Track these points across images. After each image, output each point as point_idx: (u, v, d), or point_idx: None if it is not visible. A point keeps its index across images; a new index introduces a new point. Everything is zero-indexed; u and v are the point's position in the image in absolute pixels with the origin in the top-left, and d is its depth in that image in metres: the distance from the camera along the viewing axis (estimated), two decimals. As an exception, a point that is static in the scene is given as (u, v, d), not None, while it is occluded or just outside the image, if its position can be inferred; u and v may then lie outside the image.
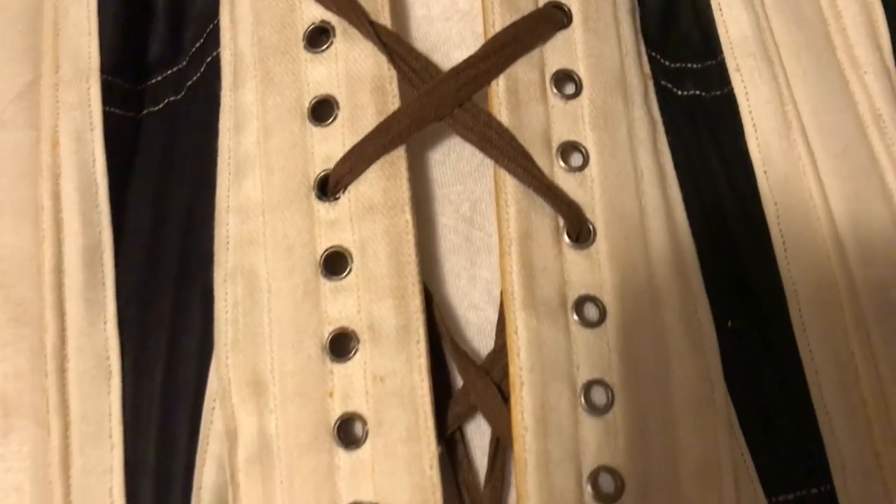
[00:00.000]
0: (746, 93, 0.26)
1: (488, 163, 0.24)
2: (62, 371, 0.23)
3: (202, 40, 0.27)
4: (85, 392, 0.23)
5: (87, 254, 0.23)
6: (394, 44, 0.24)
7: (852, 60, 0.26)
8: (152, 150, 0.26)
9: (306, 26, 0.24)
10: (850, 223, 0.24)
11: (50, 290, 0.23)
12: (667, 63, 0.27)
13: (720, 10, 0.27)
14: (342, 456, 0.22)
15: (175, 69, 0.27)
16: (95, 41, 0.25)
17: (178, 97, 0.26)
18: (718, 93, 0.26)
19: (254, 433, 0.22)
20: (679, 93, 0.27)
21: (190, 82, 0.26)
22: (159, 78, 0.27)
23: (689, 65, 0.27)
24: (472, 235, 0.25)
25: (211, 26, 0.27)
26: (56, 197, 0.24)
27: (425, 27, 0.26)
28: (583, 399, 0.22)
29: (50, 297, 0.23)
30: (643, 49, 0.26)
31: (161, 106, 0.26)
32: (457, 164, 0.25)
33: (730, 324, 0.24)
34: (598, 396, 0.22)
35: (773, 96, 0.25)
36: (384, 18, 0.24)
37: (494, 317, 0.24)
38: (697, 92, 0.27)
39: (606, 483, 0.22)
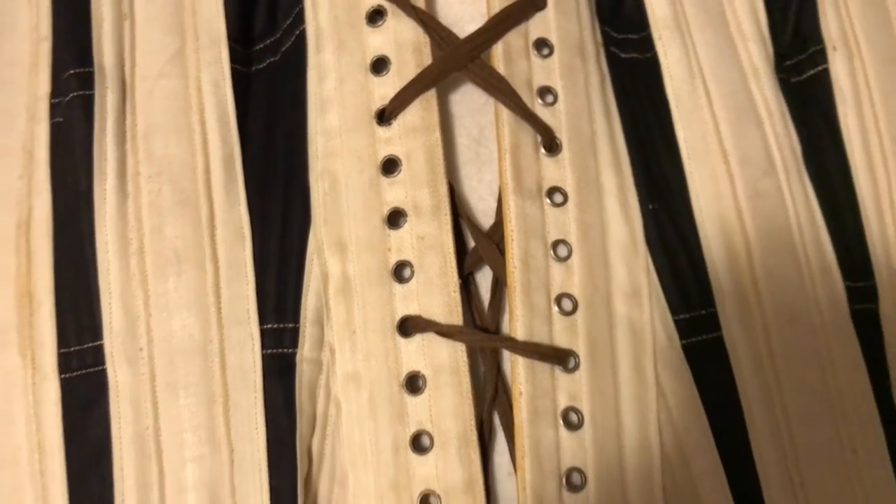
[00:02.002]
0: (665, 54, 0.37)
1: (490, 101, 0.36)
2: (212, 236, 0.34)
3: (291, 19, 0.38)
4: (228, 249, 0.34)
5: (225, 161, 0.35)
6: (427, 20, 0.35)
7: (740, 32, 0.38)
8: (260, 94, 0.37)
9: (367, 9, 0.36)
10: (733, 139, 0.35)
11: (202, 184, 0.35)
12: (615, 35, 0.38)
13: (650, -1, 0.38)
14: (397, 287, 0.33)
15: (272, 39, 0.38)
16: (223, 20, 0.36)
17: (276, 59, 0.37)
18: (648, 55, 0.38)
19: (339, 275, 0.34)
20: (622, 56, 0.38)
21: (284, 48, 0.38)
22: (262, 45, 0.38)
23: (630, 36, 0.38)
24: (479, 151, 0.36)
25: (297, 9, 0.38)
26: (202, 124, 0.35)
27: (447, 9, 0.37)
28: (552, 251, 0.34)
29: (202, 188, 0.34)
30: (597, 25, 0.37)
31: (265, 65, 0.37)
32: (469, 102, 0.36)
33: (650, 206, 0.35)
34: (562, 250, 0.34)
35: (683, 56, 0.37)
36: (420, 3, 0.36)
37: (494, 205, 0.35)
38: (635, 55, 0.38)
39: (566, 304, 0.33)
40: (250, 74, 0.37)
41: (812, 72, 0.39)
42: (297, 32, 0.37)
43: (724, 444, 0.33)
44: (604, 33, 0.38)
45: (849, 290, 0.35)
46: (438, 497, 0.31)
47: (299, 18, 0.38)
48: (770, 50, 0.38)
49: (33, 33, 0.38)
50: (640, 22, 0.38)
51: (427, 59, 0.35)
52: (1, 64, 0.38)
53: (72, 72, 0.35)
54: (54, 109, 0.36)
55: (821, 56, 0.39)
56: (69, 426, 0.33)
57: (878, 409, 0.34)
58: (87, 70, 0.35)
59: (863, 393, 0.34)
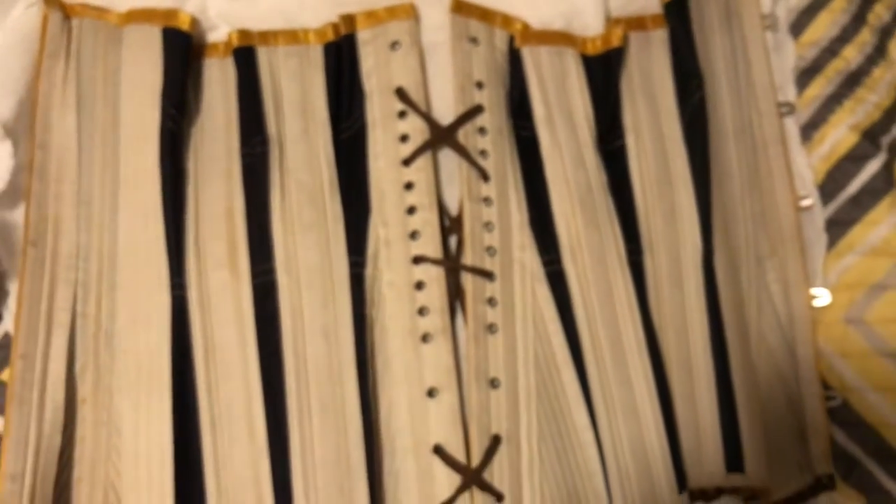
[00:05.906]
0: (542, 136, 0.74)
1: (457, 156, 0.74)
2: (325, 217, 0.69)
3: (358, 111, 0.74)
4: (333, 223, 0.69)
5: (330, 182, 0.70)
6: (427, 116, 0.72)
7: (579, 123, 0.76)
8: (345, 150, 0.71)
9: (397, 111, 0.73)
10: (573, 175, 0.73)
11: (319, 192, 0.69)
12: (518, 122, 0.77)
13: (534, 105, 0.77)
14: (412, 243, 0.70)
15: (350, 121, 0.74)
16: (327, 113, 0.73)
17: (352, 132, 0.74)
18: (534, 134, 0.76)
19: (384, 237, 0.70)
20: (523, 134, 0.76)
21: (356, 127, 0.74)
22: (345, 125, 0.74)
23: (527, 123, 0.77)
24: (451, 179, 0.74)
25: (361, 108, 0.75)
26: (319, 165, 0.70)
27: (437, 110, 0.73)
28: (485, 227, 0.71)
29: (319, 194, 0.69)
30: (509, 118, 0.76)
31: (346, 136, 0.75)
32: (447, 156, 0.73)
33: (533, 208, 0.74)
34: (490, 227, 0.71)
35: (550, 137, 0.74)
36: (425, 108, 0.74)
37: (458, 205, 0.73)
38: (529, 134, 0.76)
39: (491, 251, 0.71)
40: (340, 141, 0.75)
41: (618, 143, 0.77)
42: (362, 120, 0.75)
43: (562, 315, 0.71)
44: (514, 122, 0.76)
45: (627, 249, 0.74)
46: (431, 336, 0.69)
47: (362, 112, 0.75)
48: (594, 132, 0.76)
49: (227, 116, 0.75)
50: (531, 116, 0.77)
51: (427, 136, 0.73)
52: (211, 130, 0.75)
53: (257, 138, 0.73)
54: (244, 155, 0.74)
55: (621, 135, 0.78)
56: (257, 307, 0.64)
57: (641, 317, 0.73)
58: (263, 137, 0.73)
59: (630, 302, 0.73)
